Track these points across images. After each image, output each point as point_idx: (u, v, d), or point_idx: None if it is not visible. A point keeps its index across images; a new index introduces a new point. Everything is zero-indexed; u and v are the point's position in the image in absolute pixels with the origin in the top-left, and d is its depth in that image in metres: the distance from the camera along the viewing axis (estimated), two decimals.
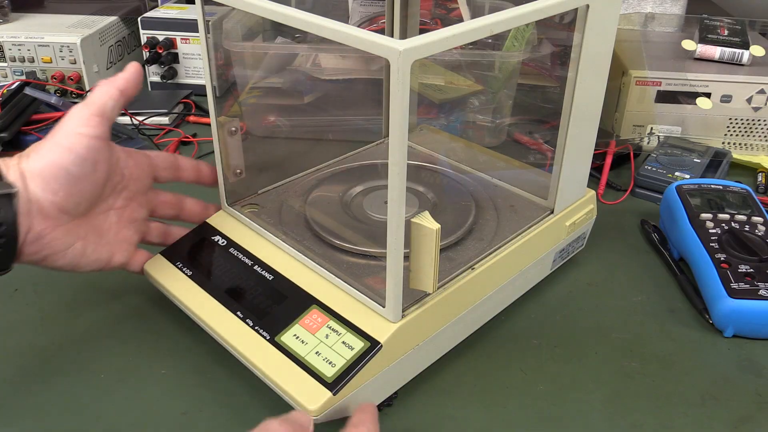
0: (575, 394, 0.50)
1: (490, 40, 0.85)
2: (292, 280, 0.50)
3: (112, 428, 0.47)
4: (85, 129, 0.47)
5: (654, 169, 0.75)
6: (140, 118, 0.89)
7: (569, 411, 0.48)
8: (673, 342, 0.55)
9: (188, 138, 0.86)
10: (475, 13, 0.73)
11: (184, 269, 0.54)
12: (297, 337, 0.46)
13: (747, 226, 0.61)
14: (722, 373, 0.52)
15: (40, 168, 0.45)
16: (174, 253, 0.55)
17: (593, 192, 0.61)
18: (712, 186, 0.67)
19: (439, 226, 0.42)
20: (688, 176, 0.74)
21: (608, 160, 0.79)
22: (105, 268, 0.51)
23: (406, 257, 0.44)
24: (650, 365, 0.53)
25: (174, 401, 0.48)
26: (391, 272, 0.43)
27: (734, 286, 0.55)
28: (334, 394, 0.43)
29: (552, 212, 0.57)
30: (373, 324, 0.46)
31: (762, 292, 0.54)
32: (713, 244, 0.59)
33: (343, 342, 0.45)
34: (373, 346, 0.44)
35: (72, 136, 0.46)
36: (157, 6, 1.06)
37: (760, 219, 0.62)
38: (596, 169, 0.78)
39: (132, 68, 0.50)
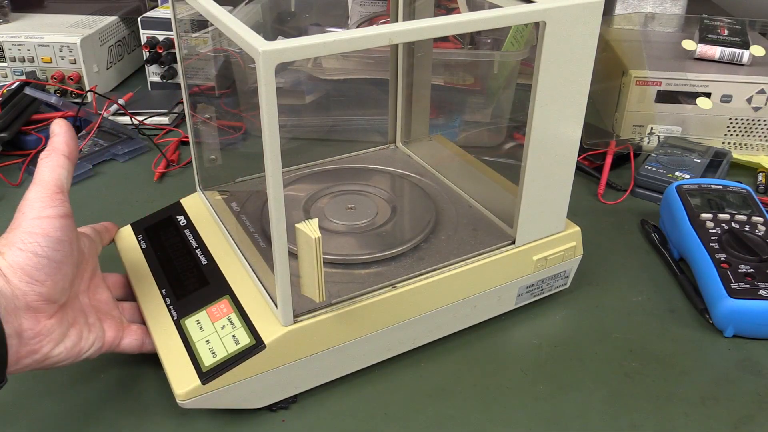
0: (575, 394, 0.50)
1: (489, 40, 0.85)
2: (221, 269, 0.51)
3: (112, 428, 0.47)
4: (51, 210, 0.43)
5: (654, 169, 0.75)
6: (140, 118, 0.89)
7: (569, 411, 0.48)
8: (673, 342, 0.55)
9: (188, 138, 0.86)
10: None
11: (141, 242, 0.56)
12: (198, 323, 0.47)
13: (747, 226, 0.61)
14: (722, 373, 0.52)
15: (21, 262, 0.41)
16: (140, 226, 0.58)
17: (577, 229, 0.56)
18: (712, 186, 0.67)
19: (319, 235, 0.40)
20: (688, 176, 0.74)
21: (608, 160, 0.79)
22: (105, 347, 0.47)
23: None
24: (650, 365, 0.53)
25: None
26: (278, 275, 0.42)
27: (734, 286, 0.55)
28: (203, 384, 0.43)
29: (513, 243, 0.53)
30: (266, 324, 0.45)
31: (762, 292, 0.54)
32: (713, 244, 0.59)
33: (234, 336, 0.45)
34: (257, 345, 0.44)
35: (41, 221, 0.42)
36: (157, 6, 1.06)
37: (760, 219, 0.62)
38: (596, 169, 0.78)
39: (60, 127, 0.46)
